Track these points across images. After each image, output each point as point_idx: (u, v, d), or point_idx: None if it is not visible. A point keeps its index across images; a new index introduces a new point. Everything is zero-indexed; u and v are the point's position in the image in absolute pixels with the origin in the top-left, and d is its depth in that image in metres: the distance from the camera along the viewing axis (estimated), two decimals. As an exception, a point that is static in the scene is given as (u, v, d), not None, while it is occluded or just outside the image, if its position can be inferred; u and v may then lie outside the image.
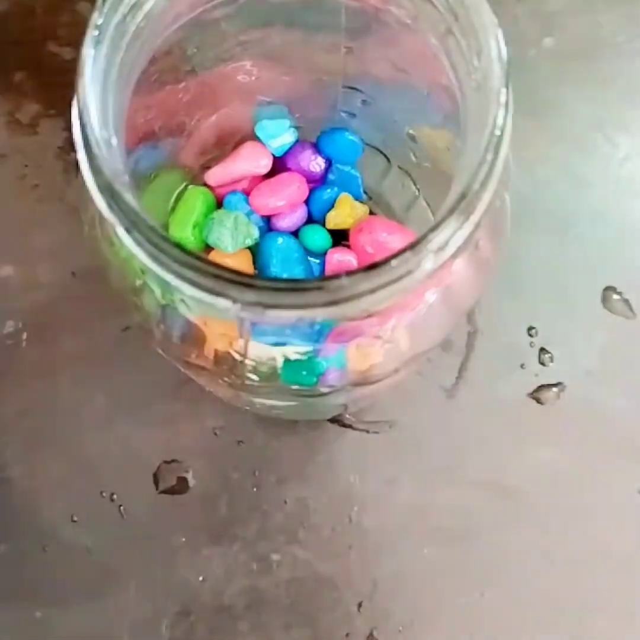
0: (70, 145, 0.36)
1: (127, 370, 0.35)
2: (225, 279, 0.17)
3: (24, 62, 0.37)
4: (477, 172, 0.17)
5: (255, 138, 0.33)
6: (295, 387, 0.22)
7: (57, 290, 0.35)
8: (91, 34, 0.17)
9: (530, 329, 0.35)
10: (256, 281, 0.17)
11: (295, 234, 0.33)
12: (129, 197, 0.17)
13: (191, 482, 0.34)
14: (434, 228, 0.17)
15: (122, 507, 0.34)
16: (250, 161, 0.33)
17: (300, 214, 0.33)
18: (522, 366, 0.35)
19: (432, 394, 0.35)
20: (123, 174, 0.17)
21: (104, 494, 0.34)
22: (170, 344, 0.22)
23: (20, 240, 0.36)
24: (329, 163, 0.34)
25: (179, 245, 0.17)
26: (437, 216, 0.17)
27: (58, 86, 0.37)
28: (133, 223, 0.17)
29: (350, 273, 0.17)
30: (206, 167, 0.33)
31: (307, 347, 0.21)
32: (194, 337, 0.22)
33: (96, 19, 0.17)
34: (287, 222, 0.33)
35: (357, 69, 0.28)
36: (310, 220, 0.34)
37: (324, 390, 0.22)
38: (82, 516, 0.34)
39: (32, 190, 0.36)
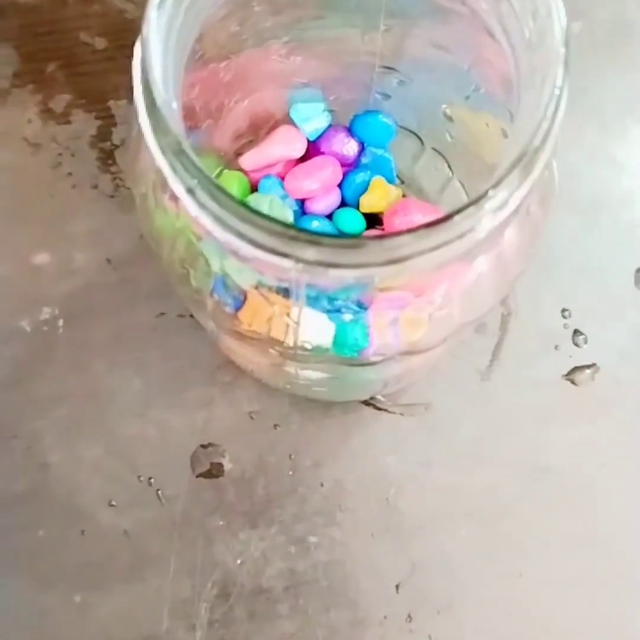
0: (104, 134, 0.37)
1: (163, 356, 0.35)
2: (289, 236, 0.17)
3: (56, 53, 0.38)
4: (537, 129, 0.17)
5: (289, 122, 0.33)
6: (345, 355, 0.22)
7: (92, 277, 0.35)
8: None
9: (564, 310, 0.36)
10: (320, 238, 0.17)
11: (329, 217, 0.33)
12: (195, 156, 0.17)
13: (228, 465, 0.34)
14: (494, 185, 0.17)
15: (159, 491, 0.34)
16: (285, 145, 0.33)
17: (334, 197, 0.34)
18: (556, 348, 0.35)
19: (466, 377, 0.35)
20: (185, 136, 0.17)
21: (141, 478, 0.34)
22: (223, 314, 0.22)
23: (55, 228, 0.36)
24: (362, 146, 0.34)
25: (243, 203, 0.17)
26: (496, 174, 0.17)
27: (90, 75, 0.38)
28: (199, 182, 0.17)
29: (412, 229, 0.17)
30: (239, 153, 0.33)
31: (359, 313, 0.21)
32: (247, 306, 0.22)
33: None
34: (321, 205, 0.33)
35: (395, 48, 0.28)
36: (343, 203, 0.34)
37: (374, 359, 0.22)
38: (120, 500, 0.34)
39: (66, 178, 0.36)
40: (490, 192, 0.17)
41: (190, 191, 0.18)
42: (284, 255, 0.18)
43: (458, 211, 0.17)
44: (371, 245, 0.17)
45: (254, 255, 0.18)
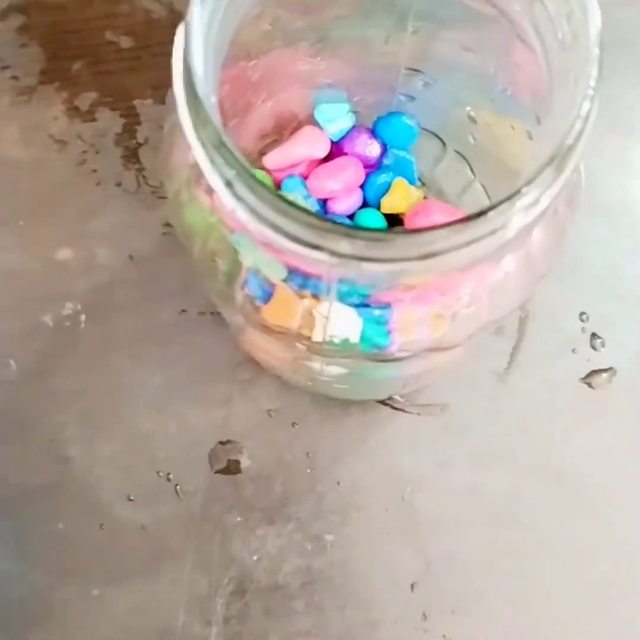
0: (128, 132, 0.37)
1: (183, 352, 0.35)
2: (324, 228, 0.17)
3: (83, 51, 0.38)
4: (571, 128, 0.18)
5: (313, 123, 0.33)
6: (373, 350, 0.23)
7: (115, 273, 0.36)
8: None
9: (581, 314, 0.36)
10: (355, 231, 0.17)
11: (350, 217, 0.34)
12: (235, 148, 0.17)
13: (246, 462, 0.35)
14: (527, 182, 0.17)
15: (178, 487, 0.34)
16: (309, 145, 0.33)
17: (356, 197, 0.34)
18: (573, 351, 0.36)
19: (483, 378, 0.35)
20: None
21: (160, 474, 0.34)
22: (252, 308, 0.22)
23: (79, 224, 0.36)
24: (384, 148, 0.34)
25: (280, 195, 0.17)
26: (531, 172, 0.18)
27: (116, 74, 0.38)
28: (238, 174, 0.17)
29: (447, 224, 0.17)
30: (263, 152, 0.33)
31: (385, 308, 0.21)
32: (277, 300, 0.22)
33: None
34: (343, 205, 0.34)
35: (422, 50, 0.29)
36: (365, 204, 0.34)
37: (400, 355, 0.23)
38: (138, 495, 0.34)
39: (91, 175, 0.37)
40: (524, 190, 0.17)
41: (228, 184, 0.18)
42: (318, 248, 0.18)
43: (492, 207, 0.17)
44: (405, 239, 0.18)
45: (288, 247, 0.18)
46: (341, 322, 0.22)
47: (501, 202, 0.17)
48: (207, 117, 0.18)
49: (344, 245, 0.18)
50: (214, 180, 0.18)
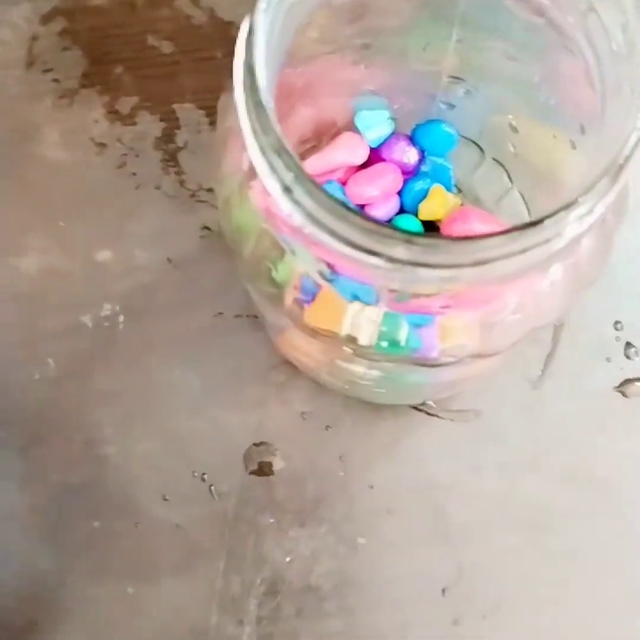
0: (168, 136, 0.38)
1: (219, 354, 0.36)
2: (382, 233, 0.18)
3: (124, 55, 0.39)
4: (628, 139, 0.18)
5: (352, 129, 0.34)
6: (418, 354, 0.23)
7: (153, 275, 0.36)
8: (262, 3, 0.18)
9: (616, 323, 0.36)
10: (413, 237, 0.18)
11: (388, 223, 0.34)
12: (295, 154, 0.18)
13: (280, 464, 0.35)
14: (584, 192, 0.18)
15: (212, 487, 0.35)
16: (348, 151, 0.34)
17: (394, 203, 0.34)
18: (607, 360, 0.36)
19: (517, 386, 0.36)
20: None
21: (195, 474, 0.35)
22: (300, 311, 0.23)
23: (118, 227, 0.37)
24: (422, 154, 0.34)
25: (339, 200, 0.18)
26: (587, 181, 0.18)
27: (156, 79, 0.38)
28: (297, 179, 0.18)
29: (503, 231, 0.18)
30: (301, 158, 0.34)
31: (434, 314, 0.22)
32: (325, 304, 0.22)
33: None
34: (381, 211, 0.34)
35: (465, 58, 0.29)
36: (402, 210, 0.35)
37: (446, 360, 0.23)
38: (173, 495, 0.34)
39: (130, 178, 0.37)
40: (580, 199, 0.18)
41: (286, 189, 0.18)
42: (375, 253, 0.18)
43: (549, 216, 0.17)
44: (461, 246, 0.18)
45: (344, 252, 0.18)
46: (389, 327, 0.22)
47: (557, 211, 0.17)
48: (269, 123, 0.18)
49: (400, 251, 0.18)
50: (272, 185, 0.19)
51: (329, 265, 0.21)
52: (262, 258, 0.23)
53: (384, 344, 0.22)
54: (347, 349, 0.23)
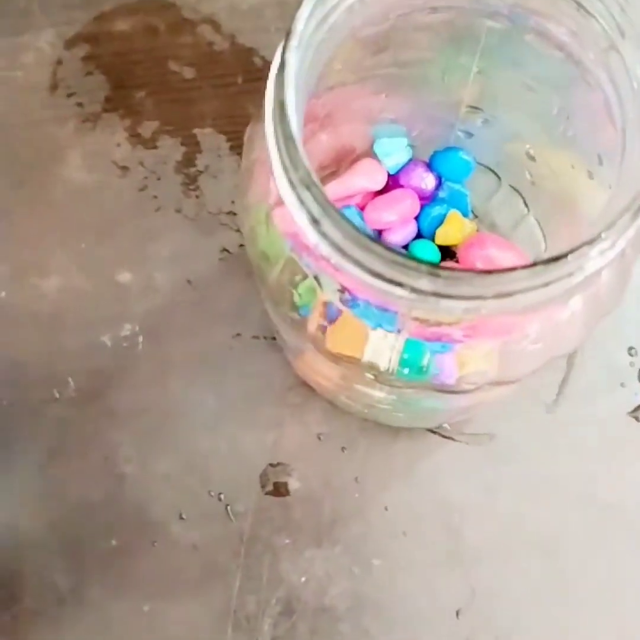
0: (188, 160, 0.38)
1: (237, 375, 0.36)
2: (408, 266, 0.18)
3: (146, 80, 0.39)
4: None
5: (371, 155, 0.34)
6: (439, 381, 0.23)
7: (173, 296, 0.37)
8: (293, 40, 0.19)
9: (630, 349, 0.36)
10: (438, 269, 0.18)
11: (405, 247, 0.35)
12: (323, 189, 0.18)
13: (295, 485, 0.35)
14: (607, 227, 0.18)
15: (228, 507, 0.35)
16: (367, 177, 0.34)
17: (411, 228, 0.35)
18: (622, 385, 0.36)
19: (532, 409, 0.36)
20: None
21: (211, 493, 0.35)
22: (323, 337, 0.23)
23: (139, 248, 0.37)
24: (439, 180, 0.35)
25: (365, 233, 0.18)
26: (607, 217, 0.18)
27: (178, 103, 0.39)
28: (325, 212, 0.18)
29: (527, 265, 0.18)
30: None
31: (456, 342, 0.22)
32: (347, 330, 0.23)
33: (298, 26, 0.19)
34: (398, 236, 0.34)
35: (484, 88, 0.30)
36: (419, 235, 0.35)
37: (466, 387, 0.23)
38: (190, 514, 0.35)
39: (152, 201, 0.38)
40: (603, 235, 0.18)
41: (314, 221, 0.19)
42: (400, 284, 0.19)
43: (572, 251, 0.18)
44: (484, 278, 0.18)
45: (370, 283, 0.19)
46: (410, 354, 0.22)
47: (580, 246, 0.18)
48: (299, 158, 0.18)
49: (424, 283, 0.18)
50: (300, 217, 0.19)
51: (353, 293, 0.21)
52: (287, 285, 0.23)
53: (405, 370, 0.23)
54: (368, 375, 0.23)
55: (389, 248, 0.18)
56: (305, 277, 0.22)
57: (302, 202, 0.19)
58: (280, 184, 0.19)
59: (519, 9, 0.22)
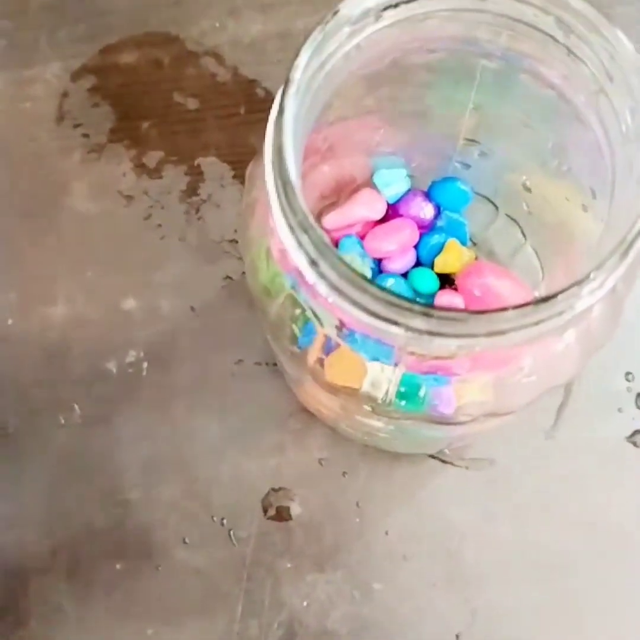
0: (192, 189, 0.39)
1: (239, 401, 0.37)
2: (403, 307, 0.19)
3: (151, 111, 0.40)
4: (636, 220, 0.19)
5: (371, 185, 0.35)
6: (435, 413, 0.24)
7: (177, 323, 0.37)
8: (291, 88, 0.19)
9: (627, 374, 0.37)
10: (431, 310, 0.19)
11: (404, 275, 0.35)
12: (320, 231, 0.19)
13: (297, 510, 0.36)
14: (596, 268, 0.19)
15: (231, 532, 0.35)
16: (367, 207, 0.35)
17: (410, 257, 0.35)
18: (619, 410, 0.36)
19: (530, 435, 0.36)
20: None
21: (214, 518, 0.36)
22: (322, 370, 0.24)
23: (144, 276, 0.38)
24: (438, 210, 0.36)
25: (362, 275, 0.19)
26: (596, 259, 0.19)
27: (182, 134, 0.40)
28: (322, 255, 0.19)
29: (517, 306, 0.19)
30: (322, 212, 0.35)
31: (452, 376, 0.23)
32: (346, 363, 0.23)
33: (296, 75, 0.19)
34: (397, 264, 0.35)
35: (481, 123, 0.30)
36: (418, 263, 0.36)
37: (462, 419, 0.24)
38: (193, 538, 0.35)
39: (156, 229, 0.39)
40: (592, 275, 0.19)
41: (312, 262, 0.19)
42: (395, 323, 0.19)
43: (561, 291, 0.18)
44: (477, 319, 0.19)
45: (366, 322, 0.20)
46: (407, 387, 0.23)
47: (569, 287, 0.18)
48: (296, 202, 0.19)
49: (418, 322, 0.19)
50: (299, 258, 0.20)
51: (351, 328, 0.22)
52: (287, 319, 0.24)
53: (402, 402, 0.23)
54: (366, 407, 0.24)
55: (383, 289, 0.19)
56: (304, 311, 0.23)
57: (300, 244, 0.19)
58: (279, 225, 0.20)
59: (512, 52, 0.23)
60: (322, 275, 0.20)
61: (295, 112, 0.20)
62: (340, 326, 0.22)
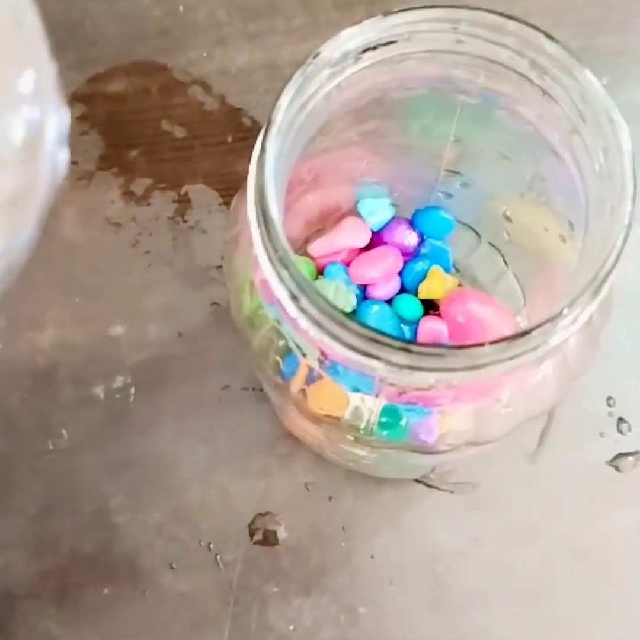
0: (180, 216, 0.39)
1: (226, 426, 0.37)
2: (382, 342, 0.19)
3: (139, 139, 0.41)
4: (607, 258, 0.19)
5: (355, 214, 0.35)
6: (416, 443, 0.24)
7: (164, 349, 0.38)
8: (273, 129, 0.20)
9: (609, 398, 0.37)
10: (410, 345, 0.19)
11: (389, 302, 0.36)
12: (300, 268, 0.19)
13: (283, 534, 0.36)
14: (569, 305, 0.19)
15: (218, 556, 0.36)
16: (351, 235, 0.35)
17: (394, 284, 0.36)
18: (601, 434, 0.37)
19: (514, 459, 0.37)
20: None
21: (201, 543, 0.36)
22: (305, 400, 0.24)
23: (132, 302, 0.38)
24: (422, 237, 0.36)
25: (342, 311, 0.19)
26: (569, 295, 0.20)
27: (170, 162, 0.40)
28: (302, 290, 0.19)
29: (493, 342, 0.19)
30: (307, 239, 0.36)
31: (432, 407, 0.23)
32: (328, 393, 0.24)
33: (278, 117, 0.20)
34: (382, 291, 0.35)
35: (461, 155, 0.31)
36: (402, 289, 0.36)
37: (443, 448, 0.24)
38: (180, 563, 0.36)
39: (144, 256, 0.39)
40: (565, 311, 0.19)
41: (293, 297, 0.20)
42: (375, 357, 0.20)
43: (535, 327, 0.19)
44: (455, 354, 0.19)
45: (346, 356, 0.20)
46: (388, 417, 0.23)
47: (543, 323, 0.19)
48: (278, 239, 0.20)
49: (399, 357, 0.20)
50: (280, 292, 0.20)
51: (332, 360, 0.22)
52: (270, 350, 0.24)
53: (384, 432, 0.24)
54: (349, 436, 0.24)
55: (363, 325, 0.19)
56: (287, 342, 0.23)
57: (281, 279, 0.20)
58: (262, 260, 0.20)
59: (489, 91, 0.24)
60: (303, 310, 0.20)
61: (277, 152, 0.20)
62: (322, 358, 0.23)
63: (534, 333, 0.19)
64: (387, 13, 0.21)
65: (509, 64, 0.22)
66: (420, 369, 0.20)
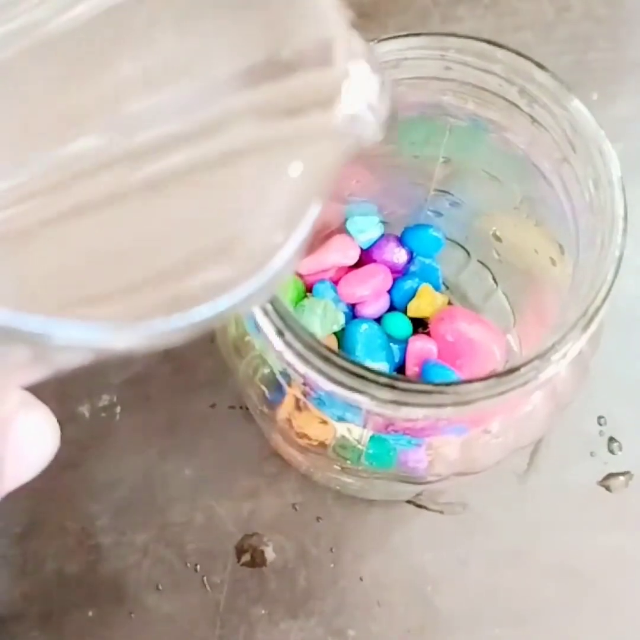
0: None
1: (213, 445, 0.37)
2: (367, 378, 0.19)
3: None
4: (598, 291, 0.19)
5: (344, 231, 0.35)
6: (404, 473, 0.24)
7: (150, 368, 0.37)
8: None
9: (599, 418, 0.37)
10: (396, 382, 0.19)
11: (378, 320, 0.35)
12: (286, 304, 0.19)
13: (271, 555, 0.36)
14: (559, 340, 0.19)
15: (205, 578, 0.35)
16: (340, 253, 0.35)
17: (384, 302, 0.35)
18: (591, 454, 0.37)
19: (504, 479, 0.36)
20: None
21: (188, 564, 0.35)
22: (291, 429, 0.24)
23: (118, 319, 0.38)
24: (411, 255, 0.36)
25: (328, 348, 0.19)
26: (560, 329, 0.19)
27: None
28: (288, 326, 0.19)
29: (482, 378, 0.19)
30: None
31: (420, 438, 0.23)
32: (314, 424, 0.23)
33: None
34: (371, 309, 0.35)
35: (451, 175, 0.31)
36: (392, 308, 0.36)
37: (431, 478, 0.24)
38: (166, 584, 0.35)
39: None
40: (556, 347, 0.19)
41: (279, 332, 0.20)
42: (360, 392, 0.19)
43: (525, 363, 0.19)
44: (442, 390, 0.19)
45: (332, 390, 0.20)
46: (375, 448, 0.23)
47: (533, 359, 0.19)
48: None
49: (384, 393, 0.19)
50: (267, 327, 0.20)
51: (319, 391, 0.22)
52: (256, 378, 0.24)
53: (371, 463, 0.23)
54: (336, 466, 0.24)
55: (348, 360, 0.19)
56: (273, 371, 0.23)
57: (266, 313, 0.19)
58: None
59: (479, 118, 0.23)
60: (288, 344, 0.20)
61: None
62: (308, 389, 0.22)
63: (523, 369, 0.19)
64: (375, 40, 0.21)
65: (498, 91, 0.22)
66: (406, 404, 0.19)
